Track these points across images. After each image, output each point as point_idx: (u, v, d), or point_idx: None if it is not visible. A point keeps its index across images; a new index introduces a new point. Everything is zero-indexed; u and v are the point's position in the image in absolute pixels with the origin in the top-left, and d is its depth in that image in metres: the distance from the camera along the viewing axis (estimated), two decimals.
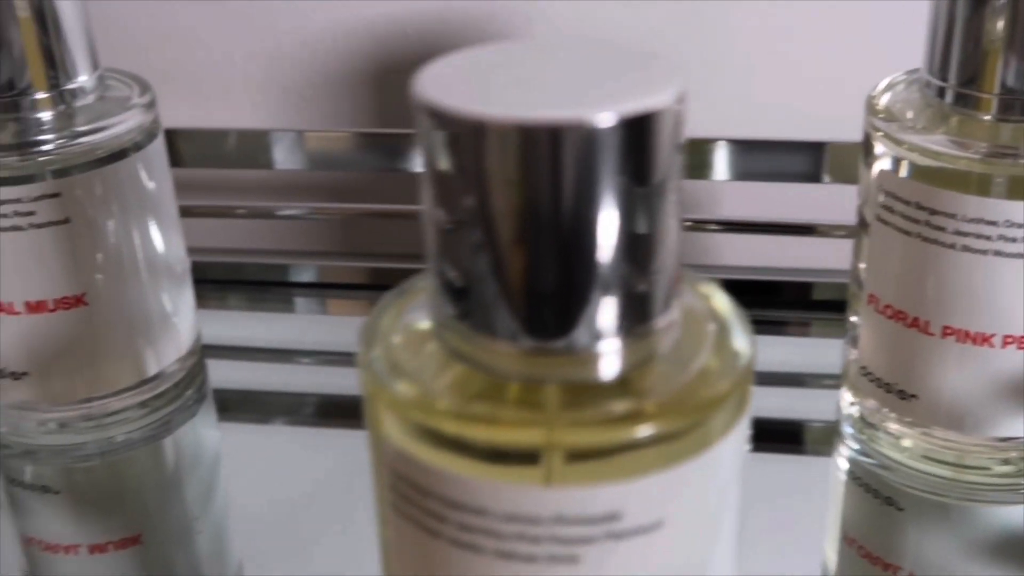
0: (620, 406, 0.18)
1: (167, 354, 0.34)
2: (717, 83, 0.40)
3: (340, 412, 0.38)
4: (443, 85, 0.17)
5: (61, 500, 0.34)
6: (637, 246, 0.18)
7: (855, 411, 0.33)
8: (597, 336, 0.18)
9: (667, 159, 0.17)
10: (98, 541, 0.32)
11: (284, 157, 0.42)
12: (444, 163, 0.17)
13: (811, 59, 0.40)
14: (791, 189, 0.40)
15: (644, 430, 0.18)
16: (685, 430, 0.18)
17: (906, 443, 0.31)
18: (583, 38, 0.19)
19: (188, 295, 0.35)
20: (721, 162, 0.39)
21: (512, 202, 0.17)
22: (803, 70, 0.40)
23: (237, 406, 0.37)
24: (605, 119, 0.16)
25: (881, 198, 0.29)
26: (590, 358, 0.18)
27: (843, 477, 0.33)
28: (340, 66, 0.43)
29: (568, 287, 0.18)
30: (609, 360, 0.18)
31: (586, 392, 0.18)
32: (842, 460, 0.33)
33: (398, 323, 0.20)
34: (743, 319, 0.20)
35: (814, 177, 0.39)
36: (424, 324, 0.20)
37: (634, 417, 0.18)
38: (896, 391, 0.30)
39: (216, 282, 0.43)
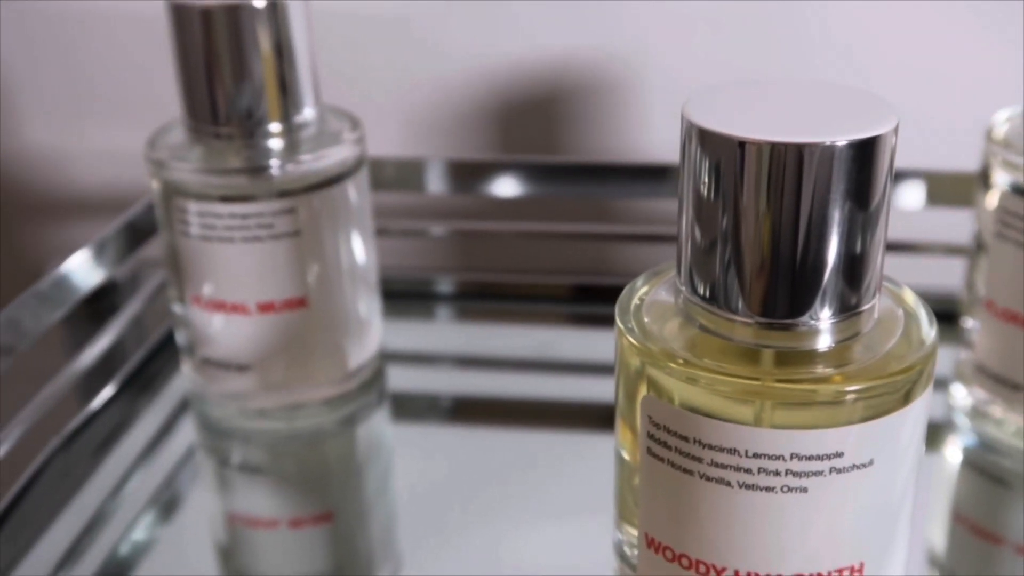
0: (818, 370, 0.23)
1: (363, 354, 0.39)
2: None
3: (476, 412, 0.42)
4: (706, 113, 0.22)
5: (264, 480, 0.38)
6: (855, 249, 0.22)
7: (968, 403, 0.37)
8: (814, 317, 0.23)
9: (884, 179, 0.22)
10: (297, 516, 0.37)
11: (433, 182, 0.47)
12: (706, 175, 0.22)
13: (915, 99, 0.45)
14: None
15: (844, 391, 0.22)
16: (886, 392, 0.23)
17: (1015, 430, 0.36)
18: (814, 79, 0.24)
19: (377, 302, 0.40)
20: None
21: (762, 207, 0.22)
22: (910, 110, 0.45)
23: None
24: (840, 141, 0.21)
25: (1001, 217, 0.34)
26: (806, 333, 0.23)
27: (955, 463, 0.37)
28: (469, 104, 0.48)
29: (800, 280, 0.22)
30: (819, 336, 0.23)
31: (797, 358, 0.23)
32: (954, 448, 0.38)
33: (646, 300, 0.25)
34: (928, 312, 0.24)
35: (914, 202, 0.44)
36: (667, 301, 0.25)
37: (833, 380, 0.23)
38: (1009, 384, 0.35)
39: None
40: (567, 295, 0.48)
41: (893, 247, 0.44)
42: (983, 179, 0.35)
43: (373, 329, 0.39)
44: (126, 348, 0.43)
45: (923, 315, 0.24)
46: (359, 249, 0.38)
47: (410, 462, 0.39)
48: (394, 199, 0.49)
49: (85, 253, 0.39)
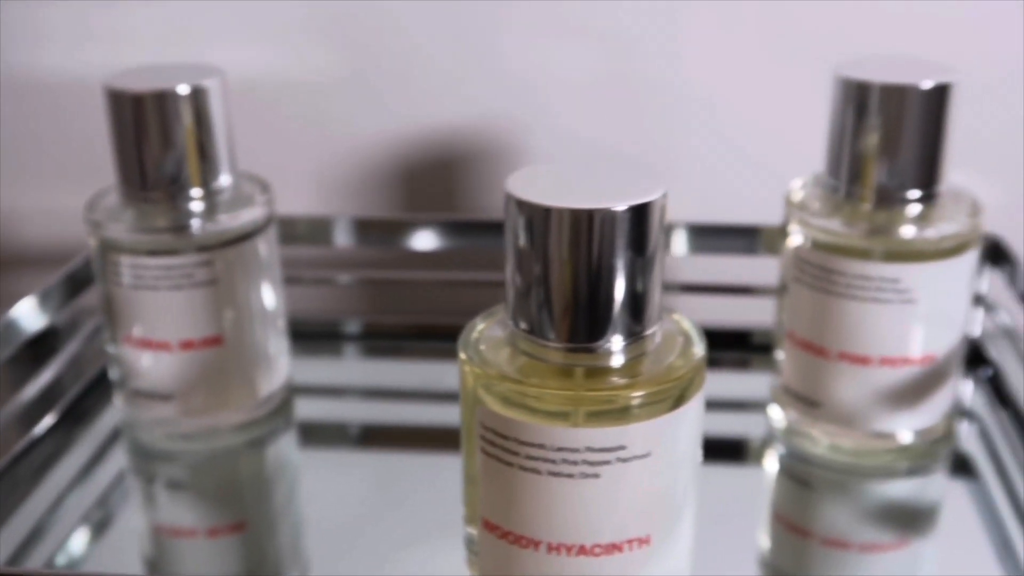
0: (618, 381, 0.30)
1: (271, 385, 0.45)
2: (674, 185, 0.53)
3: (377, 438, 0.48)
4: (522, 186, 0.29)
5: (184, 495, 0.44)
6: (638, 287, 0.29)
7: (782, 420, 0.44)
8: (609, 341, 0.30)
9: (657, 233, 0.29)
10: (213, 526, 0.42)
11: (340, 237, 0.53)
12: (522, 235, 0.29)
13: (741, 167, 0.53)
14: (733, 261, 0.52)
15: (632, 396, 0.29)
16: (661, 398, 0.30)
17: (817, 440, 0.43)
18: (607, 159, 0.31)
19: (284, 340, 0.46)
20: (680, 241, 0.51)
21: (564, 259, 0.29)
22: (734, 175, 0.53)
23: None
24: (621, 206, 0.28)
25: (796, 264, 0.41)
26: (603, 354, 0.30)
27: (772, 471, 0.44)
28: (374, 168, 0.55)
29: (595, 313, 0.29)
30: (613, 355, 0.30)
31: (599, 373, 0.30)
32: (771, 458, 0.44)
33: (482, 335, 0.32)
34: (699, 334, 0.31)
35: (750, 251, 0.51)
36: (499, 335, 0.31)
37: (626, 387, 0.29)
38: (809, 401, 0.42)
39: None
40: (459, 334, 0.54)
41: (732, 289, 0.51)
42: (783, 233, 0.42)
43: (280, 364, 0.46)
44: (64, 384, 0.48)
45: (695, 337, 0.31)
46: (268, 295, 0.44)
47: (314, 478, 0.45)
48: (306, 251, 0.55)
49: (31, 300, 0.44)
